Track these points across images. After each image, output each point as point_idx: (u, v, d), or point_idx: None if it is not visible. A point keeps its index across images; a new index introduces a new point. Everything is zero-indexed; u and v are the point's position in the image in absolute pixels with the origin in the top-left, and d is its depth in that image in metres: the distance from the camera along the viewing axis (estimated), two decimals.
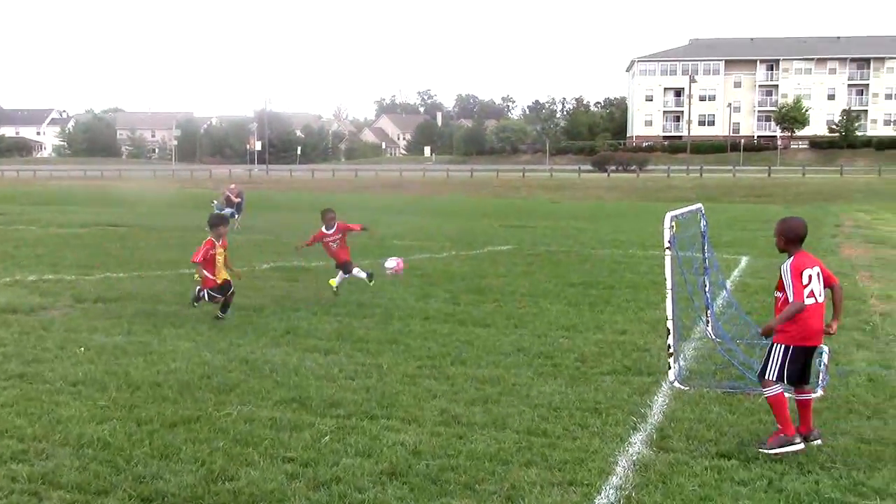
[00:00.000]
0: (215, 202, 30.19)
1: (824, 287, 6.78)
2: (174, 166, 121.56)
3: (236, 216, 29.59)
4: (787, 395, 6.79)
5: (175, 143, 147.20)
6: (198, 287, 12.18)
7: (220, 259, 12.12)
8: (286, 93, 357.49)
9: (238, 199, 30.01)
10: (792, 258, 6.79)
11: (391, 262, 14.74)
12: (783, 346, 6.67)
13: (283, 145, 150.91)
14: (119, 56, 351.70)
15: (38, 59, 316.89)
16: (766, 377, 6.72)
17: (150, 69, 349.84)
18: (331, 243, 14.06)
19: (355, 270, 14.09)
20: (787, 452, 6.45)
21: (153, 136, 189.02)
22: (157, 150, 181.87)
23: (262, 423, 7.23)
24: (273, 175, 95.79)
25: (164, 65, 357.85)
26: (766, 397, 6.78)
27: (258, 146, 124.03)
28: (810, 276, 6.69)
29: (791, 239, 6.90)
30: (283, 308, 12.91)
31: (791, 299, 6.59)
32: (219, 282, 11.99)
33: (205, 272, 11.91)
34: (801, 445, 6.50)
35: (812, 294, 6.67)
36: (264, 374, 8.87)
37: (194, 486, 5.86)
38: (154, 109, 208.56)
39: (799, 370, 6.73)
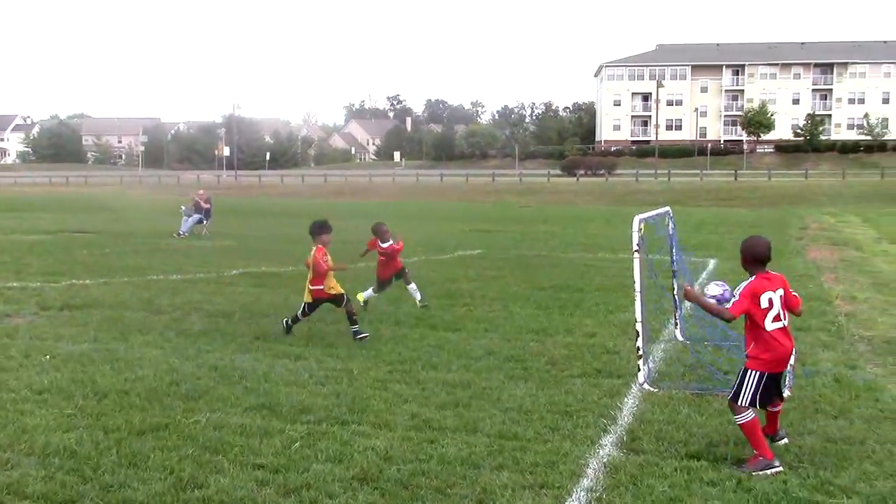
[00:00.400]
0: (184, 207, 29.92)
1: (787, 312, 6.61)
2: (141, 172, 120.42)
3: (205, 222, 29.39)
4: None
5: (142, 148, 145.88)
6: (299, 310, 11.21)
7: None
8: (255, 98, 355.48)
9: (207, 205, 29.78)
10: (752, 279, 6.60)
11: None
12: (757, 372, 6.46)
13: (251, 151, 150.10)
14: (85, 61, 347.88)
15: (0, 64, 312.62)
16: (739, 402, 6.46)
17: (117, 74, 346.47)
18: (381, 257, 13.57)
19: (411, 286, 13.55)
20: (767, 475, 6.20)
21: (120, 141, 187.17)
22: (123, 156, 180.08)
23: (232, 429, 7.17)
24: (242, 181, 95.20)
25: (131, 70, 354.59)
26: (739, 424, 6.52)
27: (227, 152, 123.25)
28: (770, 300, 6.50)
29: (749, 259, 6.70)
30: (252, 314, 12.83)
31: (731, 312, 6.53)
32: (334, 293, 11.08)
33: (314, 287, 10.96)
34: (780, 468, 6.28)
35: (777, 318, 6.50)
36: (233, 381, 8.81)
37: (163, 494, 5.79)
38: (120, 115, 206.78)
39: (771, 394, 6.60)
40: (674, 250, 11.36)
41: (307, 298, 11.15)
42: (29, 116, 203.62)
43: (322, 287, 11.00)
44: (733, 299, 6.56)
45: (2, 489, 5.86)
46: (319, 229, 11.14)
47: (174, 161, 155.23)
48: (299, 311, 11.23)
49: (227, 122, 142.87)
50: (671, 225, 11.28)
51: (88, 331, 11.49)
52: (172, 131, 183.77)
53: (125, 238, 26.67)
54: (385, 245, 13.47)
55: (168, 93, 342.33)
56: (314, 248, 10.97)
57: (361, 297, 13.37)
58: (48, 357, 9.80)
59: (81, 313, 12.84)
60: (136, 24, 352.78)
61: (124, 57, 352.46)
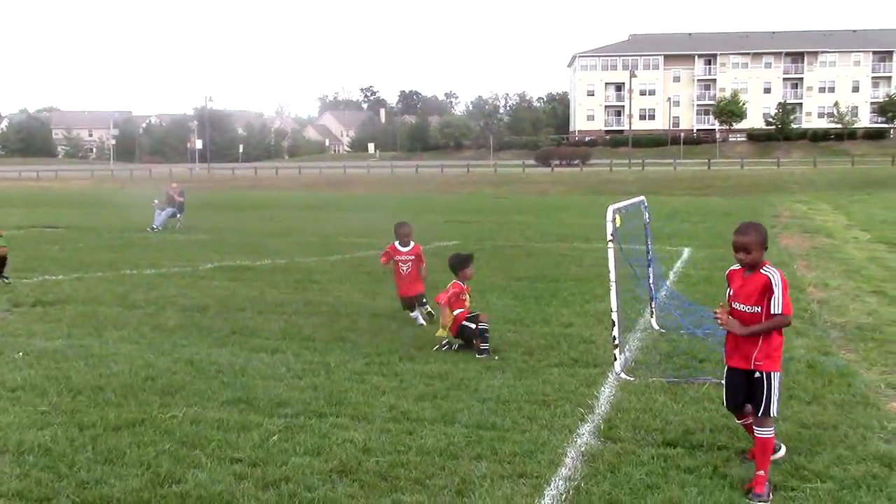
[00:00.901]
0: (156, 201, 29.69)
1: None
2: (113, 166, 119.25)
3: (178, 216, 29.18)
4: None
5: (113, 142, 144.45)
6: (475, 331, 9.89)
7: (466, 299, 10.34)
8: (227, 90, 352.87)
9: (181, 199, 29.58)
10: (777, 269, 6.00)
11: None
12: (777, 374, 5.94)
13: (224, 143, 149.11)
14: (54, 54, 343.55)
15: None
16: (773, 413, 5.91)
17: (87, 67, 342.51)
18: (401, 265, 11.51)
19: (416, 313, 11.43)
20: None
21: (90, 135, 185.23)
22: (94, 150, 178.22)
23: (209, 424, 7.14)
24: (215, 174, 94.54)
25: (101, 63, 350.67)
26: (763, 439, 5.86)
27: (199, 145, 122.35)
28: None
29: (765, 247, 6.05)
30: (227, 308, 12.76)
31: (777, 310, 5.82)
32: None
33: (452, 312, 10.04)
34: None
35: None
36: (210, 375, 8.76)
37: (140, 490, 5.76)
38: (91, 108, 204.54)
39: None
40: (648, 240, 11.43)
41: (451, 331, 10.00)
42: None
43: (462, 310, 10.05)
44: (776, 297, 5.82)
45: None
46: (463, 263, 10.48)
47: (146, 154, 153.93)
48: (480, 339, 9.76)
49: (200, 114, 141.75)
50: (646, 215, 11.34)
51: (62, 327, 11.38)
52: (144, 124, 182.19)
53: (97, 233, 26.42)
54: (405, 248, 11.56)
55: (139, 86, 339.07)
56: (451, 285, 10.23)
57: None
58: (21, 354, 9.70)
59: (54, 309, 12.71)
60: (106, 17, 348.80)
61: (95, 50, 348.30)
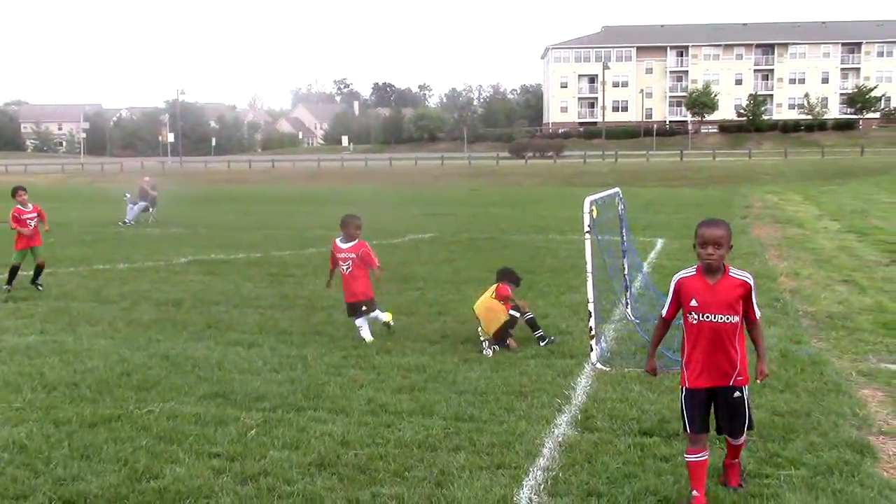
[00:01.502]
0: (128, 195, 29.44)
1: None
2: (83, 159, 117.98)
3: (151, 210, 28.95)
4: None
5: (83, 135, 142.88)
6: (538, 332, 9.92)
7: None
8: (199, 83, 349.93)
9: (154, 192, 29.36)
10: (742, 270, 5.51)
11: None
12: (747, 386, 5.50)
13: (197, 136, 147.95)
14: (22, 46, 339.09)
15: None
16: (753, 425, 5.67)
17: (55, 60, 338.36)
18: (342, 264, 10.25)
19: (360, 321, 10.30)
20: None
21: (60, 128, 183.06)
22: (64, 144, 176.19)
23: (186, 419, 7.11)
24: (187, 167, 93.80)
25: (70, 55, 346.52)
26: (740, 445, 5.66)
27: (171, 138, 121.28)
28: None
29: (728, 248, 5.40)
30: (202, 302, 12.69)
31: (758, 315, 5.45)
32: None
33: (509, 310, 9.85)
34: None
35: None
36: (186, 370, 8.72)
37: (118, 486, 5.73)
38: (60, 101, 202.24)
39: None
40: (623, 231, 11.50)
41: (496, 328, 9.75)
42: None
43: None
44: (755, 302, 5.41)
45: None
46: (516, 280, 10.43)
47: (117, 148, 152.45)
48: (539, 333, 9.87)
49: (171, 107, 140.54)
50: (621, 206, 11.41)
51: (34, 322, 11.28)
52: (115, 118, 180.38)
53: (69, 228, 26.13)
54: (346, 245, 10.30)
55: (109, 78, 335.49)
56: (497, 285, 10.15)
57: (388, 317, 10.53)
58: None
59: (26, 305, 12.59)
60: (74, 8, 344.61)
61: (63, 42, 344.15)
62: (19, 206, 14.22)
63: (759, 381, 5.46)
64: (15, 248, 14.13)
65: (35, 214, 14.34)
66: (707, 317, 5.32)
